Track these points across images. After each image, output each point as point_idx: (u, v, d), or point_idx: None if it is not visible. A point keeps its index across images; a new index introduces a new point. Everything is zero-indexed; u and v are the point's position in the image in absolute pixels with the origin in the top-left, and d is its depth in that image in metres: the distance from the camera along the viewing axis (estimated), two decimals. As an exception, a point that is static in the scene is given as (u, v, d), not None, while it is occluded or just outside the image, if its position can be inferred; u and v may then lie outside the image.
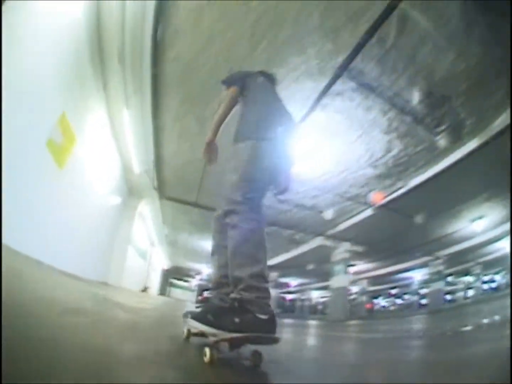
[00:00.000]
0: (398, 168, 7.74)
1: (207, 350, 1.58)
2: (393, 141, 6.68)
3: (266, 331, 1.71)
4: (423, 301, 23.71)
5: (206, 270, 26.26)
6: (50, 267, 4.91)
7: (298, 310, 35.18)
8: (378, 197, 8.56)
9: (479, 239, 13.66)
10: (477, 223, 11.57)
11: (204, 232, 15.38)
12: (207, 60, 5.52)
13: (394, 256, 16.37)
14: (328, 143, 7.19)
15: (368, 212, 10.55)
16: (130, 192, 11.18)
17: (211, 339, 1.69)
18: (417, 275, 22.39)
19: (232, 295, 1.84)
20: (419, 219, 10.14)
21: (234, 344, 1.89)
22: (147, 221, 14.90)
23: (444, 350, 3.02)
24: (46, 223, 4.91)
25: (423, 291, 24.53)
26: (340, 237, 13.04)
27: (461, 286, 21.84)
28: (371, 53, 4.91)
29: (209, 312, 1.81)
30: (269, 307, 1.76)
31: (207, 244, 17.61)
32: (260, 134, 2.15)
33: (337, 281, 13.69)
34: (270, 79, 2.86)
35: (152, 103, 6.52)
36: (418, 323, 8.82)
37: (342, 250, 13.92)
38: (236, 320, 1.65)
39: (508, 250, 12.62)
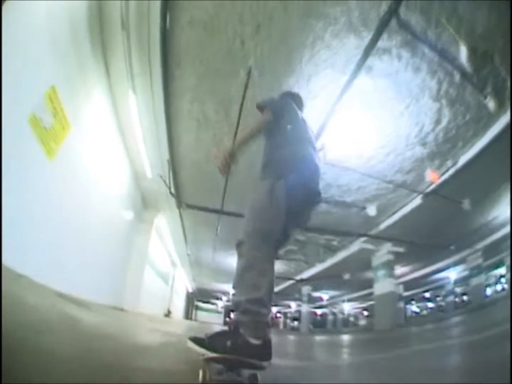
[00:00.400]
0: (447, 145, 6.99)
1: (200, 371, 1.71)
2: (443, 109, 5.99)
3: (256, 356, 1.72)
4: (462, 300, 23.17)
5: (232, 290, 24.58)
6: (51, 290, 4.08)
7: (330, 324, 34.10)
8: (434, 176, 7.53)
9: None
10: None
11: (231, 246, 14.08)
12: (230, 18, 4.62)
13: (433, 254, 15.24)
14: (373, 118, 6.33)
15: (415, 203, 9.43)
16: (144, 202, 10.03)
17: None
18: (452, 274, 21.13)
19: (231, 319, 2.07)
20: (466, 204, 9.00)
21: (225, 365, 1.92)
22: (166, 239, 13.71)
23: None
24: (34, 234, 3.82)
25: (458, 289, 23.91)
26: (383, 237, 11.71)
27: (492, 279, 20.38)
28: (414, 2, 4.35)
29: (208, 335, 1.85)
30: (265, 333, 1.79)
31: (233, 260, 16.59)
32: (283, 174, 2.20)
33: (382, 287, 12.49)
34: (298, 102, 3.02)
35: (163, 83, 5.46)
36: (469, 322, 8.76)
37: (385, 251, 12.68)
38: (228, 343, 1.71)
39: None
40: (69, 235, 4.86)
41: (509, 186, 8.39)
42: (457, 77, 5.34)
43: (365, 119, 6.36)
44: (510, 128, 5.76)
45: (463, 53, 4.78)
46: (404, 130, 6.58)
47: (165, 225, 12.08)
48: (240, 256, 2.01)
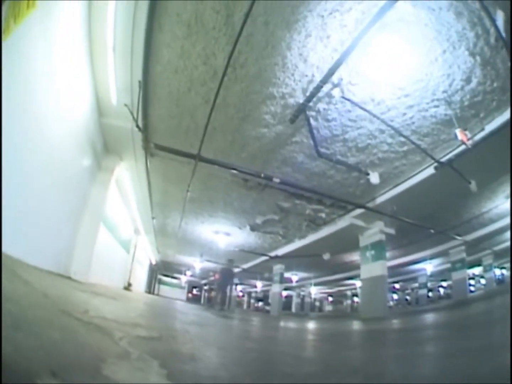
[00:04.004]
0: (471, 111, 6.37)
1: None
2: (475, 68, 5.45)
3: None
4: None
5: (197, 265, 23.46)
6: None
7: (297, 308, 33.77)
8: (464, 136, 6.50)
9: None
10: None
11: (202, 211, 12.63)
12: None
13: (419, 241, 15.20)
14: (406, 57, 5.38)
15: (418, 177, 8.55)
16: (105, 144, 8.15)
17: None
18: (429, 267, 20.87)
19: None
20: (474, 186, 8.34)
21: None
22: (128, 196, 11.68)
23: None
24: None
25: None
26: (382, 212, 10.32)
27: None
28: None
29: None
30: None
31: (203, 230, 15.24)
32: None
33: (371, 270, 11.35)
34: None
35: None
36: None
37: (376, 230, 11.51)
38: None
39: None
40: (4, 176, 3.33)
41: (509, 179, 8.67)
42: (493, 37, 4.88)
43: (397, 57, 5.38)
44: (510, 125, 5.90)
45: (499, 16, 4.53)
46: (434, 81, 5.77)
47: (127, 179, 10.12)
48: None
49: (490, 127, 6.48)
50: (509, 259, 18.08)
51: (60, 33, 4.23)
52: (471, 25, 4.74)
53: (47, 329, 1.95)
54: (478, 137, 6.54)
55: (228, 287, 16.69)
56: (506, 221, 12.50)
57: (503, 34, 4.70)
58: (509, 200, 10.53)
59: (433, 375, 2.36)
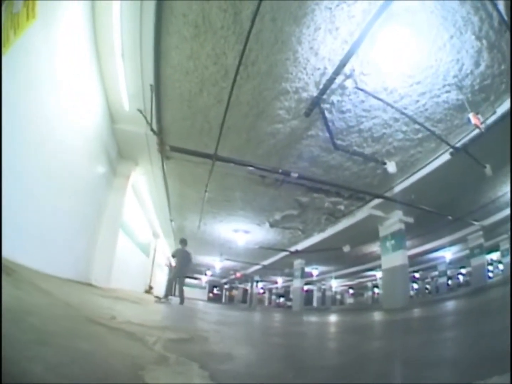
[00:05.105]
0: (482, 95, 6.35)
1: None
2: (483, 51, 5.43)
3: None
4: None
5: (217, 264, 23.51)
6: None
7: (318, 302, 33.63)
8: (477, 120, 6.45)
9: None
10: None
11: (220, 210, 12.63)
12: None
13: (438, 229, 14.95)
14: (415, 44, 5.36)
15: (434, 164, 8.41)
16: (119, 150, 8.19)
17: None
18: (448, 254, 20.92)
19: None
20: (489, 170, 8.27)
21: None
22: (145, 200, 11.91)
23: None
24: None
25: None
26: (400, 201, 10.18)
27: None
28: None
29: None
30: None
31: (222, 230, 15.27)
32: None
33: (391, 260, 11.20)
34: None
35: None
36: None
37: (396, 220, 11.38)
38: None
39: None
40: (20, 186, 3.49)
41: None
42: (496, 21, 4.89)
43: (405, 45, 5.38)
44: (510, 121, 5.93)
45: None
46: (444, 66, 5.76)
47: (144, 183, 10.24)
48: None
49: (501, 109, 6.46)
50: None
51: (64, 42, 4.19)
52: (474, 10, 4.74)
53: (76, 341, 1.92)
54: (490, 120, 6.53)
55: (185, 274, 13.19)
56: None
57: (505, 18, 4.71)
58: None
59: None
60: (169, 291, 11.47)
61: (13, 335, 1.42)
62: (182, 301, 11.37)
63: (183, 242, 12.46)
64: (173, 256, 12.38)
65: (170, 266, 14.43)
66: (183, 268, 12.16)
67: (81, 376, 1.35)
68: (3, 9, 2.60)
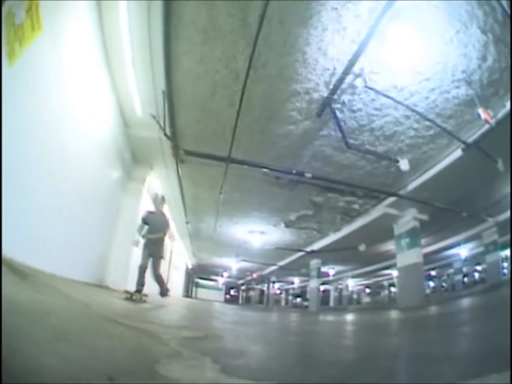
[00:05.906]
0: (491, 89, 6.29)
1: None
2: (489, 45, 5.37)
3: None
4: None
5: (234, 266, 23.58)
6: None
7: (335, 302, 33.40)
8: (487, 115, 6.35)
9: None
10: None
11: (235, 212, 12.67)
12: None
13: (452, 226, 14.37)
14: (422, 41, 5.37)
15: (446, 161, 8.40)
16: (133, 155, 8.38)
17: None
18: (463, 251, 20.41)
19: None
20: (501, 165, 8.07)
21: None
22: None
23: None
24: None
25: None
26: (414, 199, 10.23)
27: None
28: None
29: None
30: None
31: (237, 231, 15.31)
32: None
33: (407, 258, 11.18)
34: None
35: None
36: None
37: (410, 218, 11.34)
38: None
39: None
40: (36, 192, 3.60)
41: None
42: (500, 14, 4.84)
43: (413, 41, 5.38)
44: (510, 121, 6.02)
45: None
46: (452, 62, 5.72)
47: (158, 186, 10.44)
48: None
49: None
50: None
51: (73, 52, 4.30)
52: (479, 4, 4.72)
53: (95, 337, 2.03)
54: (500, 115, 6.48)
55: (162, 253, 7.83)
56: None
57: (508, 11, 4.68)
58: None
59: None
60: (140, 283, 6.94)
61: (33, 333, 1.53)
62: (163, 291, 8.04)
63: (161, 200, 8.65)
64: (144, 221, 7.39)
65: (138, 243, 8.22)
66: (159, 243, 7.46)
67: (97, 369, 1.44)
68: (3, 22, 2.66)
